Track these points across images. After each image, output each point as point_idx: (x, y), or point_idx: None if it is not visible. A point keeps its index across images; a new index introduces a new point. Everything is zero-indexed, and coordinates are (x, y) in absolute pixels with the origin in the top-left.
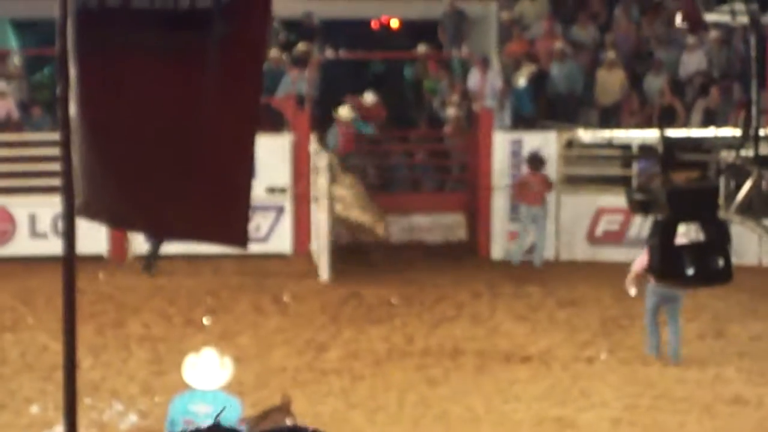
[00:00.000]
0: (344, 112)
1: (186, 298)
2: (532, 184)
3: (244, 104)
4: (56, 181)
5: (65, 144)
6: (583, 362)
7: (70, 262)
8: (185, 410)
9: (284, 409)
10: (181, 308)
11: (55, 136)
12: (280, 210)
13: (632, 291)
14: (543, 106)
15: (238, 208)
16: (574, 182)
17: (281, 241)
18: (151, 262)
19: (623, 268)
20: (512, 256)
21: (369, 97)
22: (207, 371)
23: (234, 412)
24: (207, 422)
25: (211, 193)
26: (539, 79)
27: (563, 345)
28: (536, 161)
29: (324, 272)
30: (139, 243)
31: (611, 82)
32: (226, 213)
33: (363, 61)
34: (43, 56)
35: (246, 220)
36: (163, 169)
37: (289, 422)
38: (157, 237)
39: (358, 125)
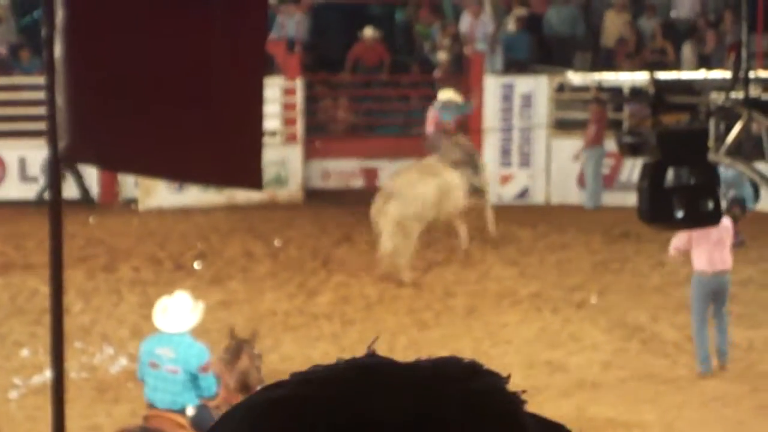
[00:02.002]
0: (449, 94)
1: (176, 242)
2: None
3: (251, 47)
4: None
5: (50, 88)
6: (574, 306)
7: (56, 206)
8: (151, 352)
9: (251, 342)
10: (172, 252)
11: (42, 79)
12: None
13: (674, 258)
14: (536, 50)
15: (250, 150)
16: (565, 126)
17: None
18: (85, 192)
19: (614, 211)
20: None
21: (369, 32)
22: (176, 315)
23: (199, 358)
24: (169, 366)
25: (221, 135)
26: (532, 23)
27: (553, 289)
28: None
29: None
30: (128, 187)
31: (618, 23)
32: (239, 155)
33: (355, 6)
34: None
35: (259, 161)
36: (165, 110)
37: (248, 359)
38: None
39: (462, 108)
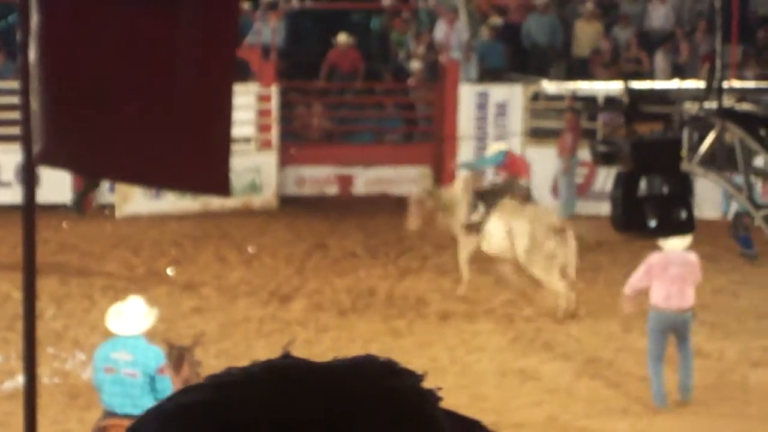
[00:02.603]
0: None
1: (150, 248)
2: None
3: (221, 52)
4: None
5: (25, 92)
6: (547, 315)
7: (30, 211)
8: (106, 358)
9: (191, 350)
10: (145, 258)
11: (16, 84)
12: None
13: (628, 308)
14: (512, 59)
15: (218, 156)
16: (540, 135)
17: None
18: (80, 200)
19: (588, 220)
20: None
21: (342, 38)
22: (130, 319)
23: (157, 360)
24: (127, 370)
25: (189, 141)
26: (508, 32)
27: (526, 297)
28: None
29: None
30: (103, 193)
31: (589, 33)
32: (207, 161)
33: (331, 12)
34: (8, 2)
35: (227, 167)
36: (136, 116)
37: (188, 367)
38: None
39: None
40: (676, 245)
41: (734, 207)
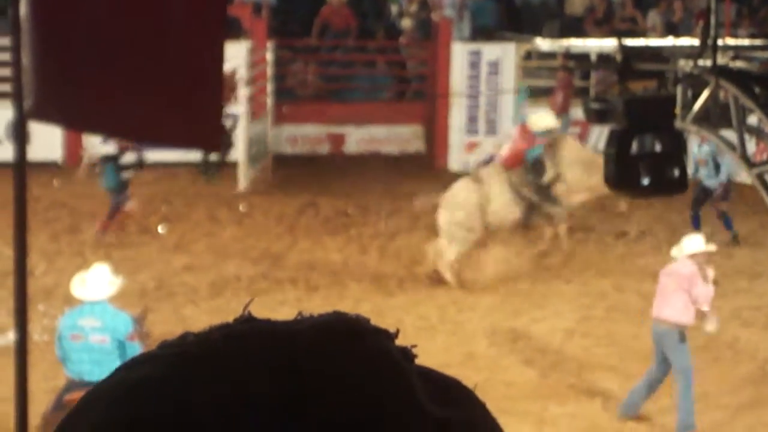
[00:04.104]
0: (548, 121)
1: (141, 206)
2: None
3: (212, 8)
4: (9, 87)
5: (15, 49)
6: (538, 274)
7: (21, 168)
8: (73, 326)
9: (140, 321)
10: (136, 215)
11: (7, 40)
12: (234, 118)
13: None
14: (505, 18)
15: (209, 112)
16: (533, 94)
17: (235, 150)
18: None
19: None
20: None
21: None
22: (96, 284)
23: (126, 326)
24: (96, 336)
25: (181, 97)
26: None
27: (518, 256)
28: None
29: None
30: (94, 149)
31: None
32: (198, 117)
33: None
34: None
35: (218, 124)
36: (128, 71)
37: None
38: (122, 139)
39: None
40: (675, 254)
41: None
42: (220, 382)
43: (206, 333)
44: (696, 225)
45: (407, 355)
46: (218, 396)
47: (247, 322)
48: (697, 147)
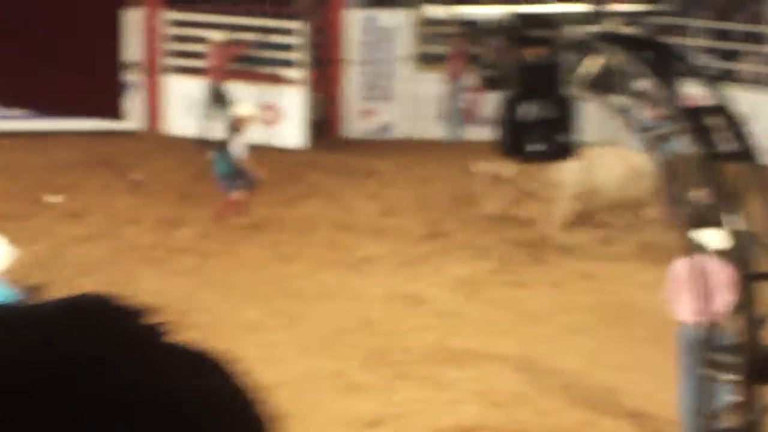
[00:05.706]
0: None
1: (33, 176)
2: None
3: None
4: None
5: None
6: (434, 239)
7: None
8: None
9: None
10: (28, 186)
11: None
12: (132, 86)
13: None
14: None
15: (108, 83)
16: (427, 60)
17: (133, 118)
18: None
19: (475, 146)
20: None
21: None
22: None
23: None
24: None
25: (80, 66)
26: None
27: (414, 222)
28: None
29: None
30: None
31: None
32: (97, 86)
33: None
34: None
35: (118, 93)
36: (27, 44)
37: None
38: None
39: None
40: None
41: None
42: None
43: None
44: None
45: (155, 331)
46: None
47: None
48: None
